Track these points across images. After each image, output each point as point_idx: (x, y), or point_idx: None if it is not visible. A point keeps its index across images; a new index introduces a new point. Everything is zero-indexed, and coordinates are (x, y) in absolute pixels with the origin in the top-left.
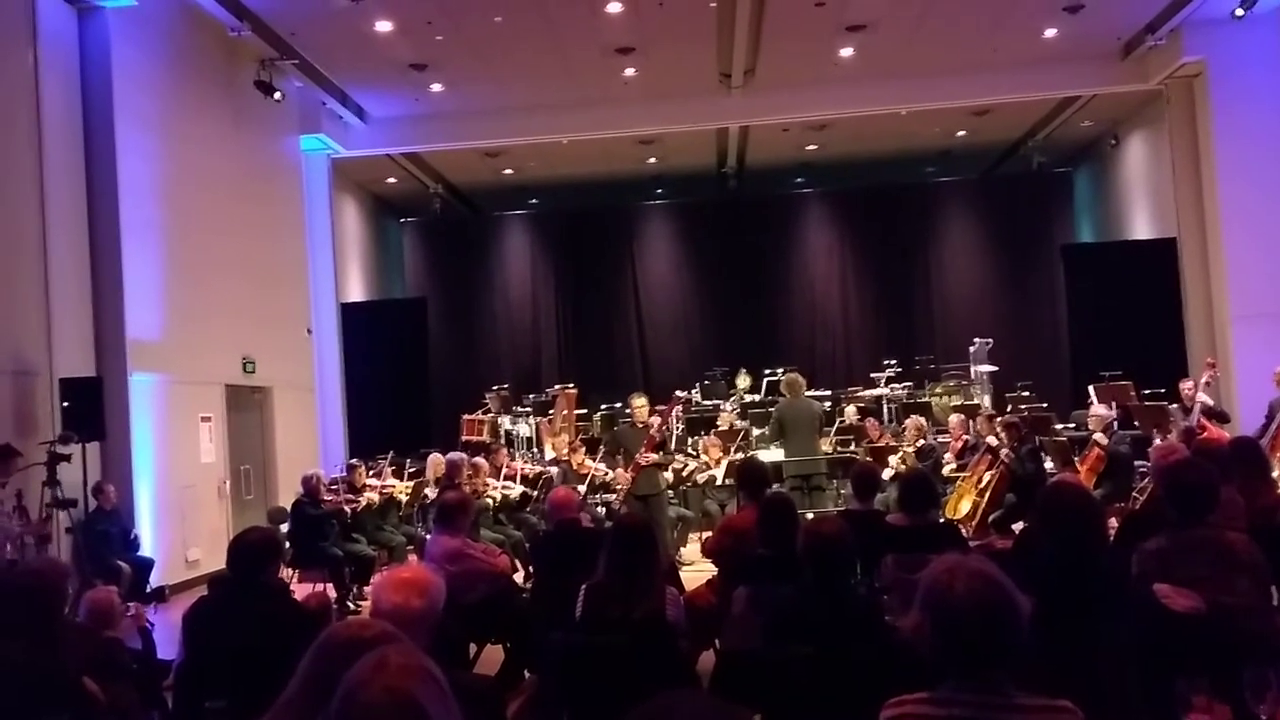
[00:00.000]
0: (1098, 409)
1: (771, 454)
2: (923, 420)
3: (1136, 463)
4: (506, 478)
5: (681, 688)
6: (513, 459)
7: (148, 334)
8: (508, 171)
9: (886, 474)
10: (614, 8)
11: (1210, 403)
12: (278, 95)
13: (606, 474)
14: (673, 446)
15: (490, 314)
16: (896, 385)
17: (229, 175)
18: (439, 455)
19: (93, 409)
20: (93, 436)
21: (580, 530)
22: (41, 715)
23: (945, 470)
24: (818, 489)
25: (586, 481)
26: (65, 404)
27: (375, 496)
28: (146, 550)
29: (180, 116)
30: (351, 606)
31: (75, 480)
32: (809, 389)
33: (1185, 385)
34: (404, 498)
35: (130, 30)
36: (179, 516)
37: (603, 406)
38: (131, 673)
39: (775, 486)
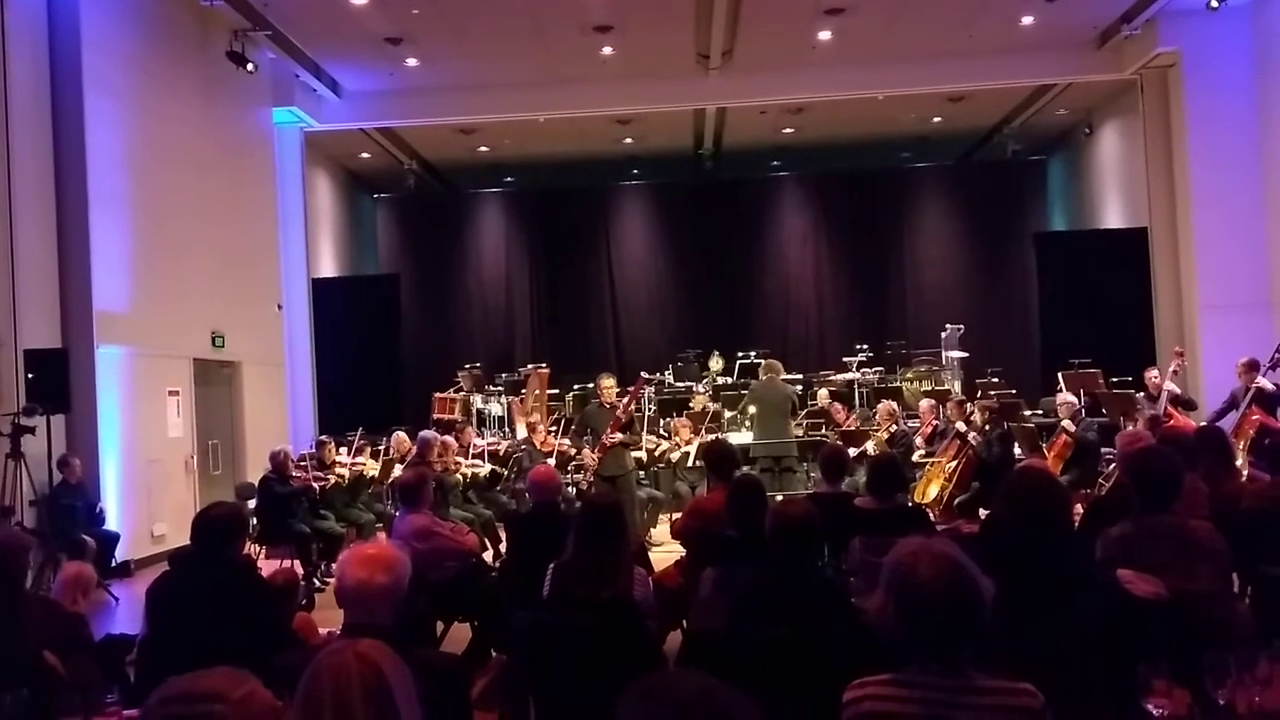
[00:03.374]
0: (1064, 396)
1: (742, 436)
2: (894, 405)
3: (1103, 450)
4: (474, 456)
5: (652, 669)
6: (480, 437)
7: (115, 306)
8: (483, 149)
9: (853, 451)
10: None
11: (1177, 391)
12: (250, 66)
13: (572, 450)
14: (642, 428)
15: (464, 292)
16: (868, 370)
17: (199, 146)
18: (403, 433)
19: (58, 381)
20: (58, 409)
21: (557, 511)
22: (0, 690)
23: (915, 456)
24: (788, 471)
25: (553, 458)
26: (30, 376)
27: (345, 472)
28: (112, 524)
29: (150, 87)
30: (318, 583)
31: (40, 453)
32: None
33: (1151, 374)
34: (374, 475)
35: None
36: (145, 491)
37: (575, 386)
38: (93, 647)
39: (745, 469)
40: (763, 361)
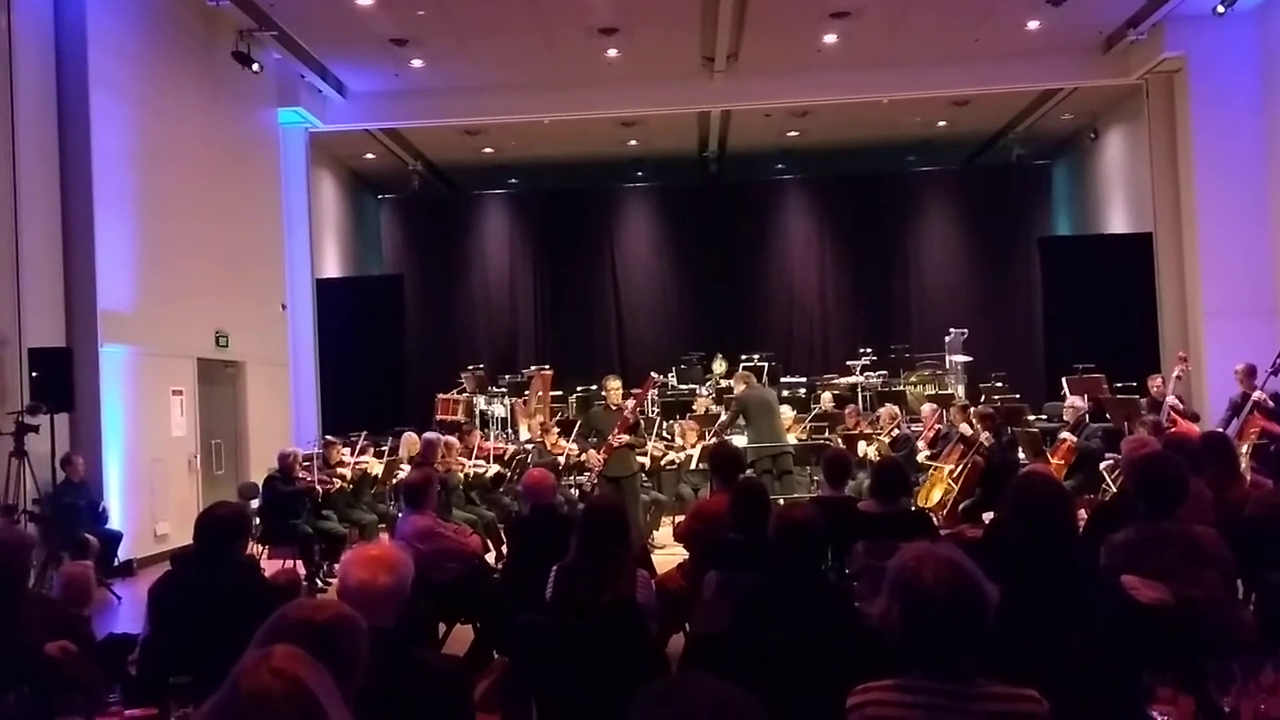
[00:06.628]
0: (1072, 401)
1: (741, 440)
2: (896, 408)
3: (1107, 455)
4: (479, 457)
5: (655, 672)
6: (486, 439)
7: (119, 305)
8: (488, 150)
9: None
10: None
11: (1180, 405)
12: (256, 67)
13: (579, 455)
14: (648, 429)
15: (467, 293)
16: (872, 373)
17: (205, 146)
18: (413, 434)
19: (62, 380)
20: (62, 408)
21: (556, 514)
22: (1, 689)
23: (920, 458)
24: (787, 473)
25: (563, 461)
26: (34, 374)
27: (348, 472)
28: (115, 523)
29: (156, 86)
30: (320, 584)
31: (44, 451)
32: (784, 375)
33: (1154, 381)
34: (378, 473)
35: None
36: (148, 490)
37: (578, 388)
38: (95, 646)
39: (747, 471)
40: (736, 375)
